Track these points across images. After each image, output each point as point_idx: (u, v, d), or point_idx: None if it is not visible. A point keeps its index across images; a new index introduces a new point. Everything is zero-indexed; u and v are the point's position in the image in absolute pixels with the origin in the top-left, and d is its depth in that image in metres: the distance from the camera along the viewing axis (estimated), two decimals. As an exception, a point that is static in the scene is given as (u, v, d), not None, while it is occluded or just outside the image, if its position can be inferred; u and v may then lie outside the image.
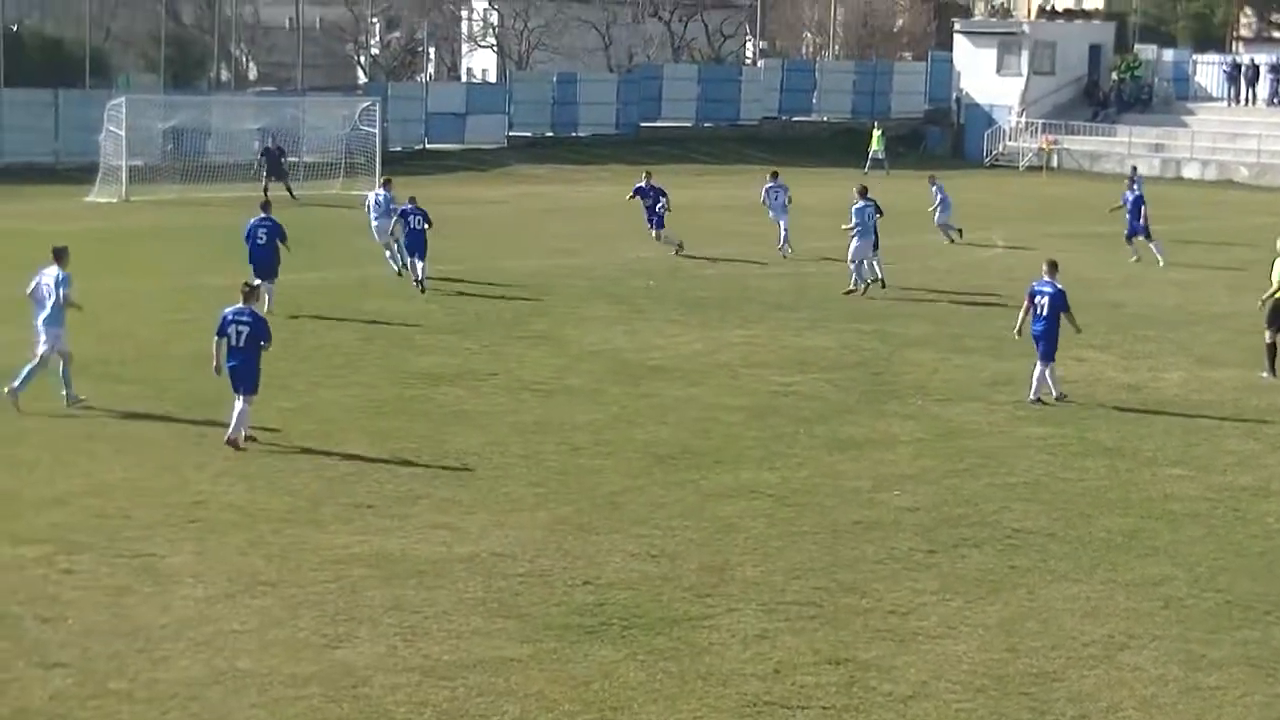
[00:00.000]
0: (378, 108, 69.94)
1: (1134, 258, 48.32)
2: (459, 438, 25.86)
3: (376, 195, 43.94)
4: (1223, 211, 65.11)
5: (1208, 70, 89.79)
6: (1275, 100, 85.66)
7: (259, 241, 37.03)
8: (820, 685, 16.30)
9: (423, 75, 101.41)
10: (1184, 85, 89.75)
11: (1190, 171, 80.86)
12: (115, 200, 61.28)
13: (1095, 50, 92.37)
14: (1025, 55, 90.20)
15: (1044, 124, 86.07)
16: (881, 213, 41.99)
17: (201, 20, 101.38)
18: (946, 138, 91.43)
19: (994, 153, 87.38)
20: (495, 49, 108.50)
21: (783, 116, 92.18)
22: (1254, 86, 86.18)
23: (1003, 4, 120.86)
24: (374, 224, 43.46)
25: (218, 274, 39.06)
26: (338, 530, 21.02)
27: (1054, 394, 29.18)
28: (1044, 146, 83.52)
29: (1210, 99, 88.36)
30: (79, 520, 21.19)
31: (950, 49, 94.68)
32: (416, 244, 40.53)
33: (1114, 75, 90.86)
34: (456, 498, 22.57)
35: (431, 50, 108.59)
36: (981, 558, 20.46)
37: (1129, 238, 49.13)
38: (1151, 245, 48.48)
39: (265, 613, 17.98)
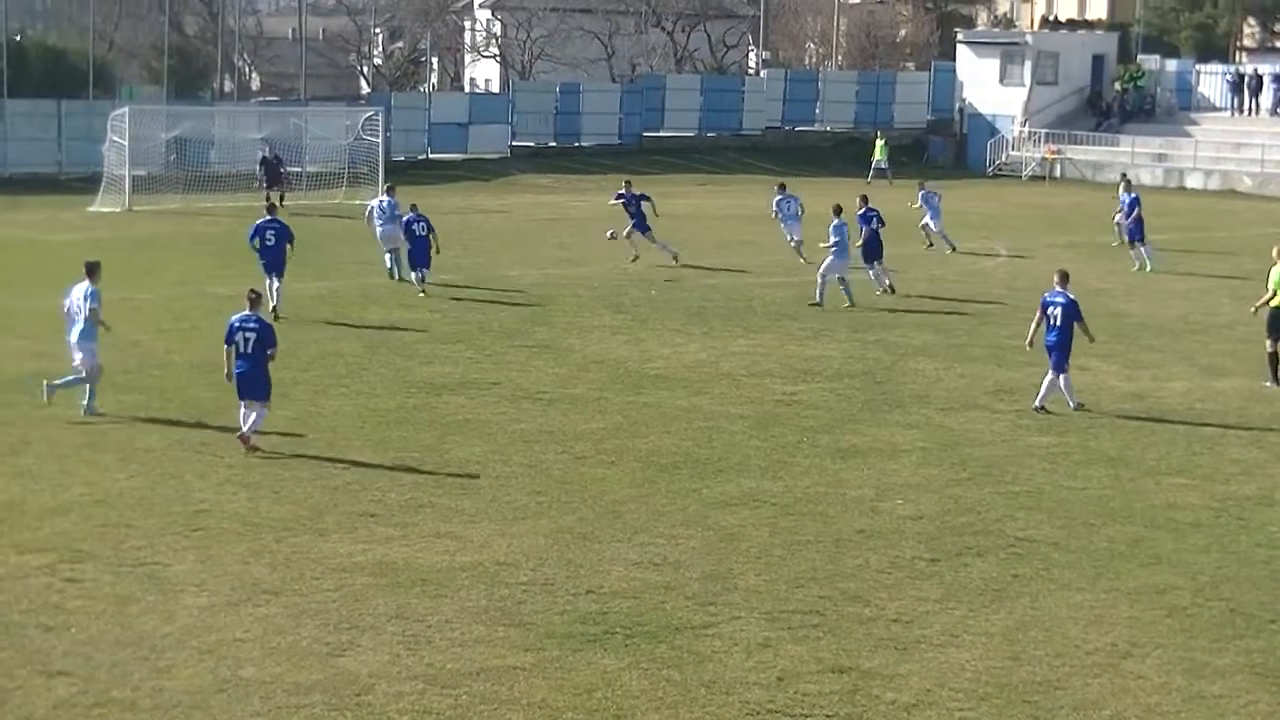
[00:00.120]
0: (380, 117, 70.00)
1: (1135, 266, 48.35)
2: (462, 447, 25.86)
3: (380, 202, 44.26)
4: (1226, 221, 65.05)
5: (1211, 80, 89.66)
6: (1278, 110, 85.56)
7: (268, 242, 37.55)
8: (823, 694, 16.29)
9: (426, 85, 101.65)
10: (1187, 95, 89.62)
11: (1193, 181, 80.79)
12: (118, 210, 61.29)
13: (1098, 60, 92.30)
14: (1028, 65, 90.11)
15: (1047, 134, 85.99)
16: (884, 223, 42.87)
17: (205, 31, 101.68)
18: (949, 148, 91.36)
19: (997, 163, 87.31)
20: (498, 59, 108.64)
21: (786, 126, 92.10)
22: (1257, 97, 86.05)
23: (1006, 14, 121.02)
24: (378, 230, 43.70)
25: (221, 283, 39.16)
26: (341, 539, 21.02)
27: (1071, 403, 29.11)
28: (1047, 156, 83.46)
29: (1213, 109, 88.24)
30: (82, 529, 21.20)
31: (953, 59, 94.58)
32: (420, 252, 41.07)
33: (1117, 85, 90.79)
34: (459, 506, 22.57)
35: (434, 60, 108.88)
36: (984, 566, 20.44)
37: (1131, 243, 49.29)
38: (1142, 249, 48.69)
39: (268, 621, 17.99)
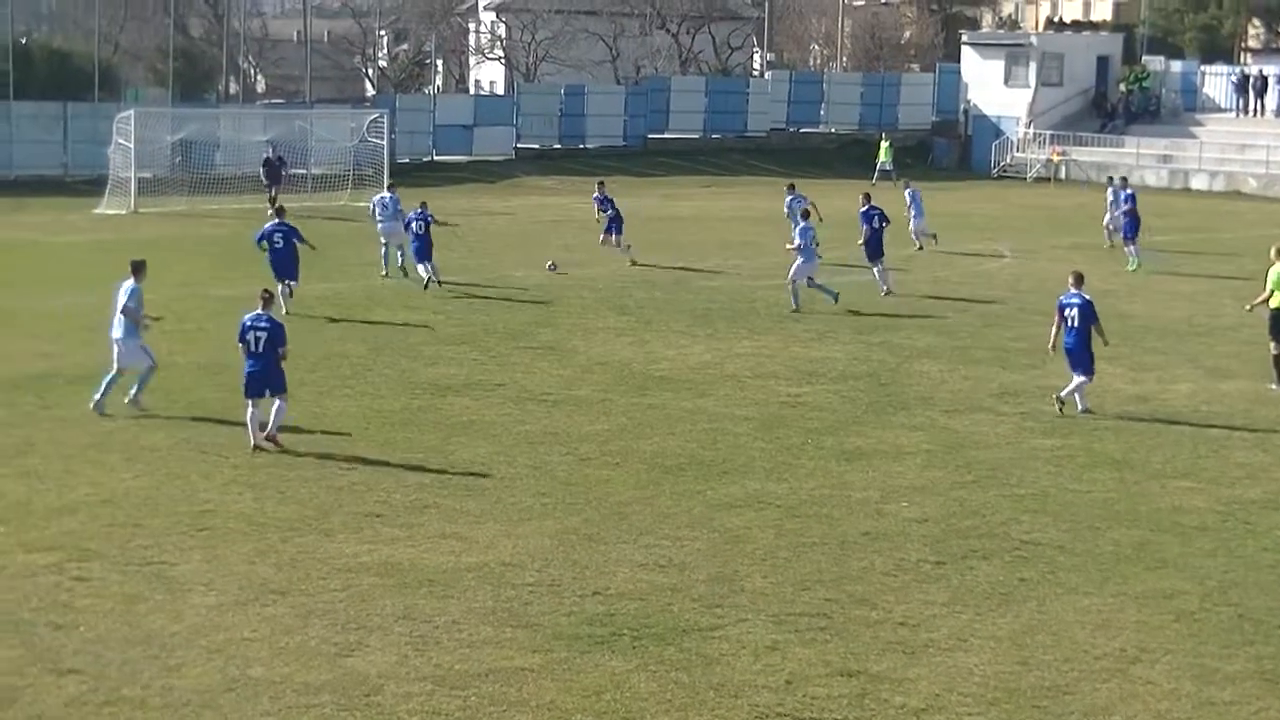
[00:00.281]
0: (385, 120, 70.09)
1: (1130, 265, 48.35)
2: (467, 448, 25.88)
3: (382, 198, 44.95)
4: (1230, 223, 65.05)
5: (1216, 81, 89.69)
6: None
7: (276, 245, 37.90)
8: (832, 697, 16.29)
9: (430, 87, 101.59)
10: (1192, 96, 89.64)
11: (1198, 183, 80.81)
12: (124, 212, 61.34)
13: (1103, 61, 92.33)
14: (1033, 67, 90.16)
15: (1052, 135, 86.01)
16: (888, 221, 43.23)
17: (210, 33, 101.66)
18: (954, 149, 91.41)
19: (1001, 164, 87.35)
20: (503, 61, 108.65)
21: (790, 128, 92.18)
22: (1262, 98, 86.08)
23: (1010, 16, 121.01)
24: (379, 226, 44.44)
25: (225, 285, 39.19)
26: (346, 539, 21.04)
27: (1079, 406, 29.14)
28: (1052, 158, 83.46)
29: (1218, 110, 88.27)
30: (89, 528, 21.24)
31: (958, 60, 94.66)
32: (421, 248, 41.84)
33: (1122, 86, 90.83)
34: (465, 507, 22.59)
35: (439, 62, 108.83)
36: (991, 570, 20.44)
37: (1125, 240, 49.43)
38: (1129, 248, 48.90)
39: (276, 621, 18.01)
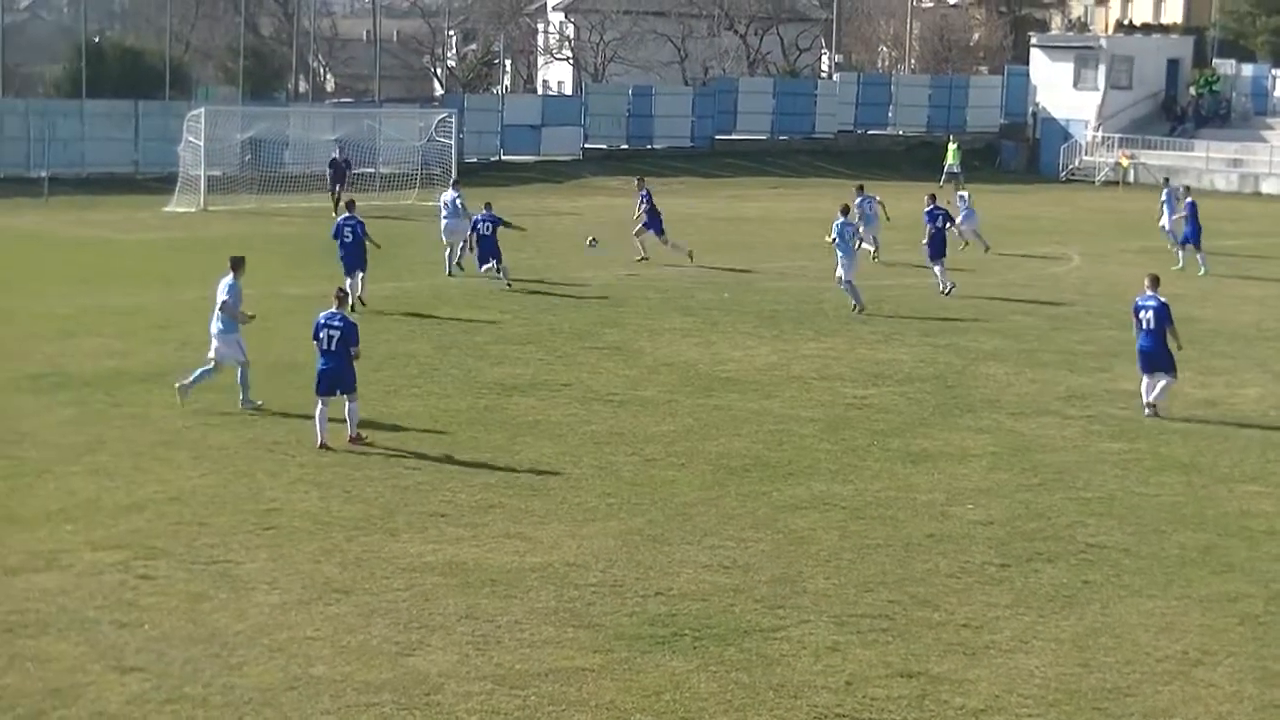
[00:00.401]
0: (454, 119, 70.33)
1: (1200, 270, 48.13)
2: (532, 448, 25.93)
3: (448, 197, 45.66)
4: (1302, 227, 64.62)
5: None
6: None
7: (346, 239, 38.43)
8: (892, 698, 16.28)
9: (499, 87, 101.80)
10: (1263, 100, 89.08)
11: (1269, 187, 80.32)
12: (194, 210, 61.71)
13: (1173, 65, 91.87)
14: (1102, 70, 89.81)
15: (1121, 138, 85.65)
16: (951, 221, 43.67)
17: (280, 32, 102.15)
18: (1022, 152, 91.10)
19: (1070, 167, 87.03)
20: (571, 61, 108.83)
21: (858, 130, 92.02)
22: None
23: (1080, 18, 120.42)
24: (443, 223, 45.15)
25: (294, 283, 39.37)
26: (411, 539, 21.12)
27: (1152, 404, 29.01)
28: (1121, 162, 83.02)
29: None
30: (156, 527, 21.37)
31: (1027, 63, 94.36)
32: (487, 249, 42.47)
33: (1192, 90, 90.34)
34: (530, 507, 22.64)
35: (508, 62, 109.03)
36: (1055, 572, 20.37)
37: (1186, 244, 49.24)
38: (1180, 249, 49.07)
39: (339, 620, 18.09)
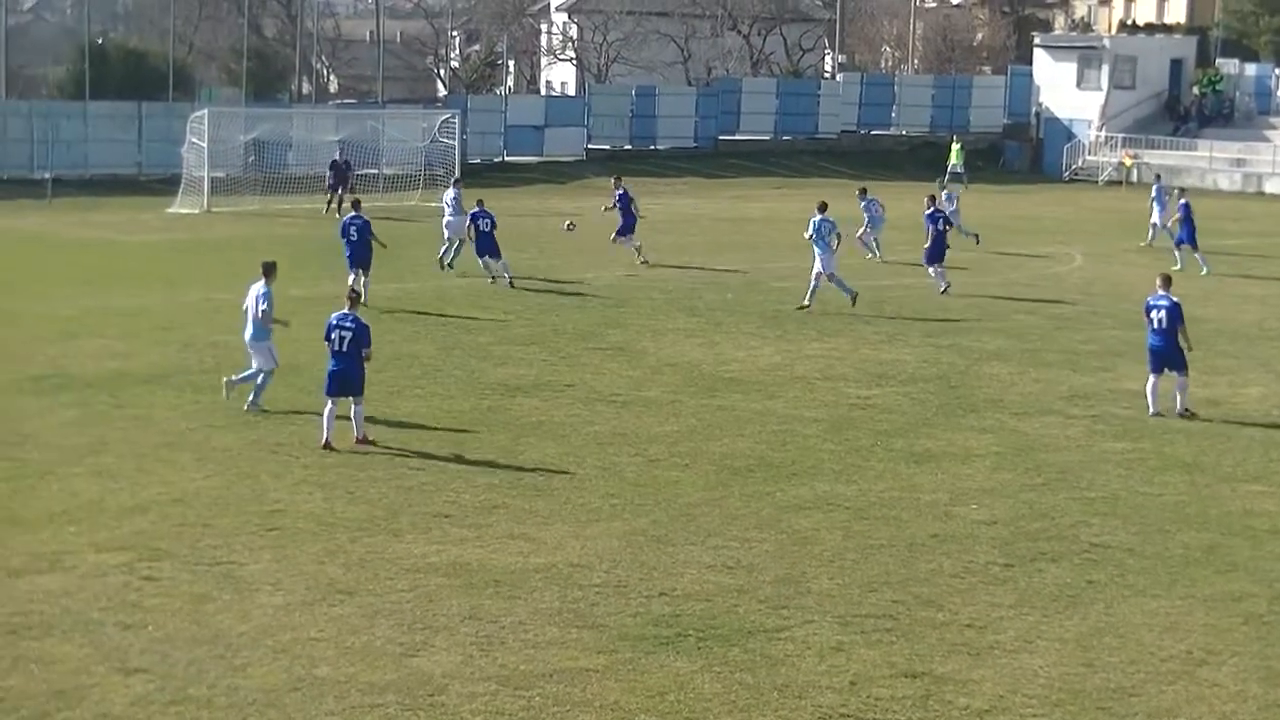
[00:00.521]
0: (457, 120, 70.36)
1: (1178, 265, 48.15)
2: (536, 449, 25.93)
3: (449, 195, 46.83)
4: (1305, 227, 64.60)
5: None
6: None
7: (351, 238, 39.13)
8: (896, 698, 16.28)
9: (502, 88, 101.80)
10: (1266, 100, 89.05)
11: (1272, 186, 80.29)
12: (197, 211, 61.71)
13: (1176, 64, 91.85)
14: (1106, 69, 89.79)
15: (1124, 138, 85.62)
16: (950, 224, 43.71)
17: (283, 34, 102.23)
18: (1025, 152, 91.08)
19: (1073, 167, 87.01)
20: (574, 62, 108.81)
21: (861, 130, 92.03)
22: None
23: (1083, 18, 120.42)
24: (445, 220, 46.12)
25: (297, 285, 39.34)
26: (415, 539, 21.12)
27: (1179, 406, 28.99)
28: (1124, 161, 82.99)
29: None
30: (160, 528, 21.37)
31: (1030, 63, 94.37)
32: (486, 245, 42.92)
33: (1195, 89, 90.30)
34: (533, 508, 22.64)
35: (511, 63, 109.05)
36: (1059, 572, 20.37)
37: (1182, 245, 49.26)
38: (1177, 250, 49.16)
39: (343, 621, 18.09)
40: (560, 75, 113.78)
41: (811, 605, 18.91)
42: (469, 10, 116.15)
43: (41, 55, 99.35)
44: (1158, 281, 29.62)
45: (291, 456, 25.06)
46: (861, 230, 49.96)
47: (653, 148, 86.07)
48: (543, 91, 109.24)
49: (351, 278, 37.74)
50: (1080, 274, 48.66)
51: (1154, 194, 54.33)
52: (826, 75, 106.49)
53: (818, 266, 39.81)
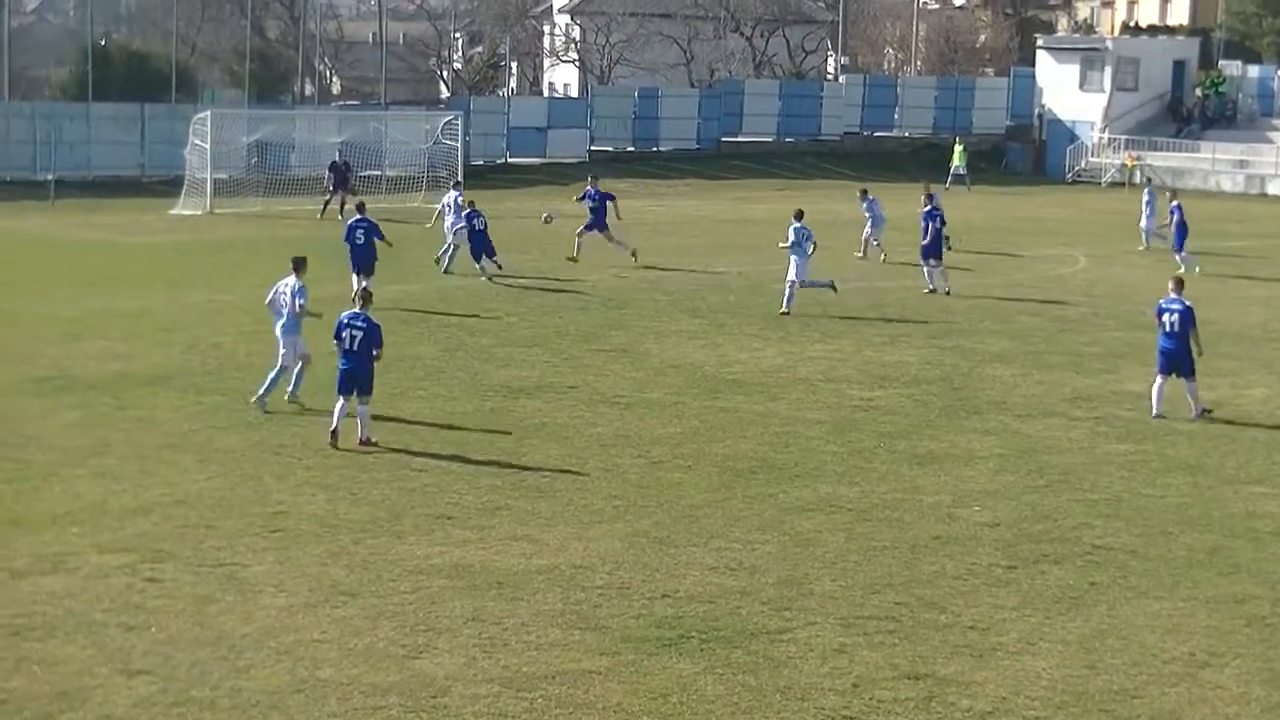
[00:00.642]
0: (460, 122, 70.34)
1: (1182, 269, 48.11)
2: (539, 450, 25.93)
3: (450, 197, 47.52)
4: (1308, 228, 64.56)
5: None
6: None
7: (357, 241, 39.19)
8: (899, 700, 16.28)
9: (505, 90, 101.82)
10: (1269, 101, 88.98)
11: (1275, 188, 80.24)
12: (200, 213, 61.70)
13: (1179, 66, 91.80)
14: (1108, 71, 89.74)
15: (1127, 140, 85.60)
16: (945, 223, 43.89)
17: (286, 35, 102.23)
18: (1028, 154, 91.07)
19: (1076, 169, 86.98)
20: (577, 64, 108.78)
21: (864, 132, 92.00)
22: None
23: (1086, 20, 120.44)
24: (447, 222, 46.58)
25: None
26: (418, 541, 21.12)
27: (1194, 411, 28.95)
28: (1127, 163, 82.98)
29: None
30: (163, 530, 21.37)
31: (1033, 65, 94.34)
32: (481, 244, 43.77)
33: (1198, 91, 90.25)
34: (536, 510, 22.64)
35: (514, 65, 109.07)
36: (1061, 574, 20.37)
37: (1178, 250, 49.29)
38: (1178, 256, 48.99)
39: (346, 622, 18.09)
40: (563, 77, 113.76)
41: (814, 607, 18.91)
42: (472, 12, 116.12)
43: (44, 57, 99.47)
44: (1170, 285, 29.63)
45: (294, 458, 25.07)
46: (867, 232, 50.11)
47: (655, 149, 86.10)
48: (545, 93, 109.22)
49: (354, 279, 37.69)
50: (1083, 276, 48.64)
51: (1146, 197, 54.49)
52: (829, 77, 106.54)
53: (792, 274, 39.79)
